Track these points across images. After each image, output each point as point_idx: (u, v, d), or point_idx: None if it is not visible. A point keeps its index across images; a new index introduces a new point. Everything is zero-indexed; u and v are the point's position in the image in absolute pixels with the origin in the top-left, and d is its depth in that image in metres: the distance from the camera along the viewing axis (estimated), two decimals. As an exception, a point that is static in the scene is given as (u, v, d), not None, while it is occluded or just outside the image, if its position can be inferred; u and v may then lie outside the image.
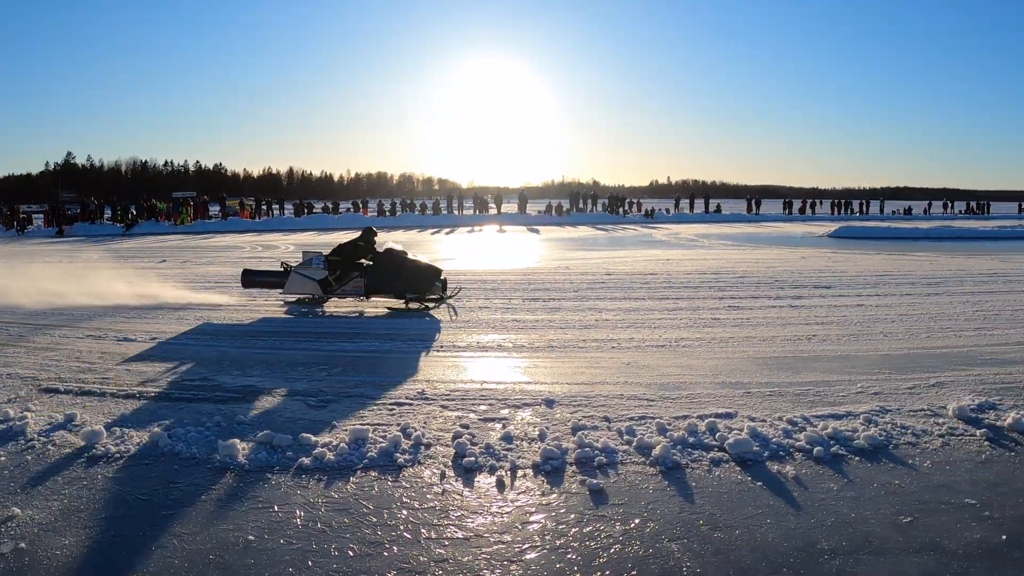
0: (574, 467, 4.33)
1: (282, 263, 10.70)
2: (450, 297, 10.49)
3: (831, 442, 4.59)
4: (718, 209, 48.98)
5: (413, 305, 10.12)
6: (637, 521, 3.66)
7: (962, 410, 5.16)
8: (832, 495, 3.88)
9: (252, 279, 10.61)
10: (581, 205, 45.78)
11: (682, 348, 7.46)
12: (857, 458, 4.39)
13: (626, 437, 4.73)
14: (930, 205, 60.66)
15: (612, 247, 22.74)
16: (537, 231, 32.61)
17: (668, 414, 5.19)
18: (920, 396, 5.62)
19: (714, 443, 4.64)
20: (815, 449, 4.48)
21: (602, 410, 5.33)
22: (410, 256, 10.24)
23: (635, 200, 50.86)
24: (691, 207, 49.72)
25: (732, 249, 21.02)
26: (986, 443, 4.64)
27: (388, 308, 10.15)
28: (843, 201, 54.79)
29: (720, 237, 26.24)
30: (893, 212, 53.57)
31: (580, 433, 4.76)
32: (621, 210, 45.84)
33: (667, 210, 48.38)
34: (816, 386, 5.93)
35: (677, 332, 8.29)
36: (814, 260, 17.18)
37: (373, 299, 10.32)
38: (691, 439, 4.68)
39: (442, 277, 10.32)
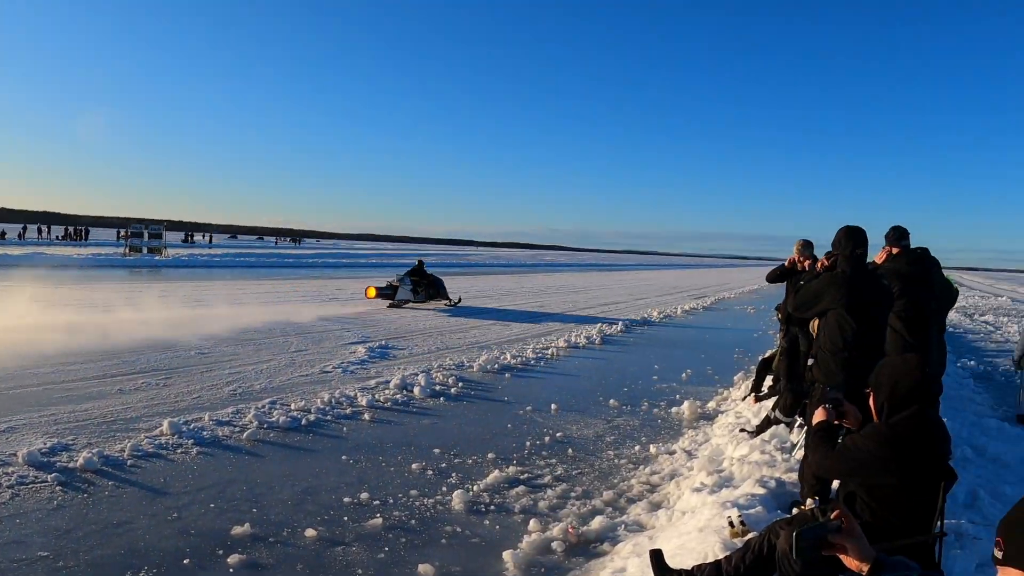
0: None
1: (388, 282, 17.25)
2: (458, 303, 17.92)
3: None
4: None
5: (453, 304, 17.64)
6: None
7: (33, 455, 4.96)
8: None
9: (381, 292, 16.89)
10: None
11: None
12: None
13: None
14: (25, 229, 57.75)
15: None
16: None
17: None
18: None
19: None
20: None
21: None
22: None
23: None
24: None
25: None
26: (59, 488, 4.54)
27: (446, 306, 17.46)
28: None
29: None
30: (-17, 237, 48.27)
31: None
32: None
33: None
34: None
35: None
36: None
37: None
38: None
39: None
